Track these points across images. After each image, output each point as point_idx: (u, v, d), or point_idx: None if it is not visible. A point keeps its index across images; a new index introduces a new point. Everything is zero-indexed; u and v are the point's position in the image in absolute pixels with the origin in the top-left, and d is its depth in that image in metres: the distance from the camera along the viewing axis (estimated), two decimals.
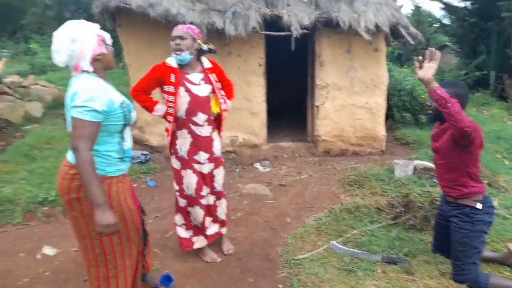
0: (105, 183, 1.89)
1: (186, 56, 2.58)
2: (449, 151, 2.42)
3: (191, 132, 2.70)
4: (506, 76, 10.61)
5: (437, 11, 14.75)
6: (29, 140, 5.14)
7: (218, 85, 2.79)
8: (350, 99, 5.31)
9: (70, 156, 1.89)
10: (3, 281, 2.70)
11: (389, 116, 6.44)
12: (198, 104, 2.65)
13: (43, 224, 3.64)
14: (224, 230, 3.08)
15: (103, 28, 1.98)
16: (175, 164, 2.78)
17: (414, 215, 3.27)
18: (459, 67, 11.55)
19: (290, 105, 7.16)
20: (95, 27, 1.90)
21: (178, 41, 2.55)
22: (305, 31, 4.61)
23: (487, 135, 5.46)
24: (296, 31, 4.43)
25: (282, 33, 4.60)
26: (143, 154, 5.05)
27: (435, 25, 14.74)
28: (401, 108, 6.51)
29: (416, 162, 4.39)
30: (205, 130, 2.73)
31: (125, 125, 1.97)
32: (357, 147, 5.48)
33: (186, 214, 2.87)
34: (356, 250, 2.94)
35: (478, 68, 10.38)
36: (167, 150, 2.91)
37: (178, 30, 2.60)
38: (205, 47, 2.67)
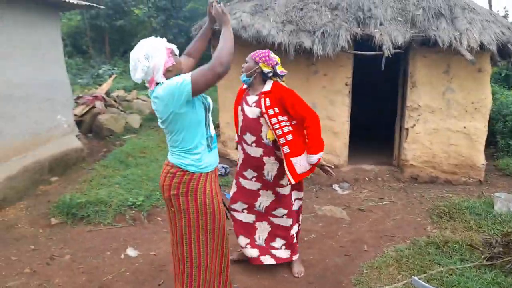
0: (201, 181, 2.07)
1: (243, 77, 2.72)
2: None
3: (243, 149, 2.82)
4: None
5: None
6: (127, 149, 5.70)
7: (271, 111, 2.62)
8: (445, 123, 4.88)
9: (170, 157, 2.09)
10: (90, 276, 2.99)
11: (491, 143, 5.76)
12: (247, 124, 2.72)
13: (129, 226, 3.92)
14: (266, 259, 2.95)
15: None
16: None
17: None
18: None
19: (376, 127, 6.85)
20: (163, 42, 2.03)
21: (243, 64, 2.71)
22: (398, 50, 4.39)
23: None
24: (387, 50, 4.24)
25: (372, 53, 4.45)
26: (224, 167, 5.21)
27: None
28: (506, 135, 5.78)
29: None
30: (253, 151, 2.75)
31: (206, 112, 2.10)
32: (450, 175, 4.98)
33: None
34: None
35: None
36: None
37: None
38: (266, 70, 2.68)
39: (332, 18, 4.62)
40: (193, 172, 2.05)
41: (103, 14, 12.04)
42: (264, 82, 2.72)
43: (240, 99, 2.81)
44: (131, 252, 3.40)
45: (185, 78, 1.89)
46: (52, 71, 5.18)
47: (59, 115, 5.29)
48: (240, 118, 2.78)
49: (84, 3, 5.38)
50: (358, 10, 4.68)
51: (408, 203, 4.42)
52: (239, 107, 2.79)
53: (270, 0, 5.01)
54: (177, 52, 2.10)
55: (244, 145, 2.79)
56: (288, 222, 2.92)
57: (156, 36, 2.09)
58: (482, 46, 4.32)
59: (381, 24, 4.53)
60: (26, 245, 3.47)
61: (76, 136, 5.57)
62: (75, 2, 5.15)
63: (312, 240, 3.59)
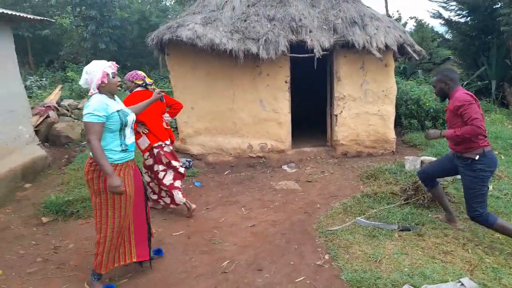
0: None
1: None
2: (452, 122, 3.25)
3: None
4: (506, 85, 11.37)
5: (440, 26, 15.57)
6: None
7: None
8: (364, 108, 6.15)
9: (90, 152, 2.76)
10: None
11: (397, 124, 7.24)
12: None
13: None
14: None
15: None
16: None
17: (423, 195, 4.04)
18: (462, 78, 12.33)
19: (311, 116, 8.04)
20: (104, 65, 2.74)
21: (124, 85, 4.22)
22: (325, 52, 5.50)
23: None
24: (318, 53, 5.32)
25: (306, 55, 5.50)
26: (187, 161, 5.91)
27: (437, 40, 15.58)
28: (408, 116, 7.31)
29: (423, 157, 5.17)
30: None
31: (122, 125, 2.76)
32: (371, 149, 6.28)
33: None
34: (377, 223, 3.71)
35: (480, 78, 11.14)
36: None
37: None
38: (139, 83, 4.01)
39: (271, 28, 5.58)
40: None
41: (25, 24, 11.60)
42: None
43: None
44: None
45: (87, 113, 2.61)
46: (11, 83, 5.37)
47: (21, 126, 5.48)
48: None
49: (36, 17, 5.63)
50: (291, 21, 5.70)
51: (343, 172, 5.56)
52: None
53: (217, 13, 5.81)
54: (111, 76, 2.75)
55: None
56: None
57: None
58: (386, 46, 5.62)
59: (310, 31, 5.60)
60: (27, 242, 3.81)
61: (38, 145, 5.78)
62: (28, 16, 5.42)
63: (276, 206, 4.49)
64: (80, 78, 2.89)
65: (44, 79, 12.08)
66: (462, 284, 2.60)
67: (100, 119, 2.62)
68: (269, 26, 5.61)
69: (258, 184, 5.29)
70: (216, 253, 3.46)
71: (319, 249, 3.41)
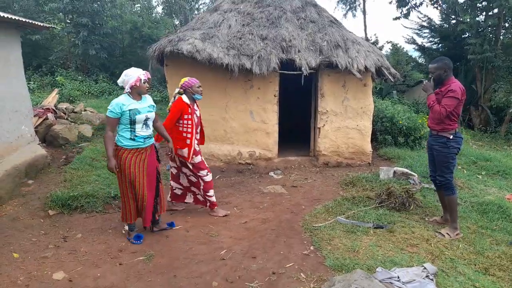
0: (121, 151, 3.58)
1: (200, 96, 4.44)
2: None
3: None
4: (472, 108, 12.41)
5: (413, 51, 16.69)
6: (88, 154, 6.37)
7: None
8: (344, 123, 6.77)
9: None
10: (107, 244, 3.83)
11: (373, 139, 7.90)
12: (198, 122, 4.59)
13: (117, 212, 4.79)
14: None
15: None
16: None
17: (395, 200, 4.62)
18: None
19: (296, 128, 8.64)
20: (140, 72, 3.53)
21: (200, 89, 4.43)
22: (312, 70, 6.10)
23: None
24: (305, 71, 5.91)
25: (295, 72, 6.09)
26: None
27: (411, 63, 16.69)
28: (383, 132, 8.00)
29: (396, 168, 5.79)
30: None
31: (131, 121, 3.51)
32: (350, 160, 6.89)
33: None
34: (355, 221, 4.24)
35: None
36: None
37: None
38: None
39: (264, 46, 6.15)
40: (119, 146, 3.60)
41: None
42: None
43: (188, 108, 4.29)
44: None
45: (108, 109, 3.50)
46: (17, 85, 5.68)
47: (23, 126, 5.77)
48: (195, 119, 4.36)
49: (46, 25, 5.99)
50: (282, 41, 6.30)
51: (324, 180, 6.12)
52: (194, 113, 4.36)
53: (214, 30, 6.34)
54: (143, 81, 3.54)
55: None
56: None
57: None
58: (366, 68, 6.29)
59: (299, 51, 6.21)
60: (37, 231, 4.10)
61: (38, 144, 6.06)
62: (36, 23, 5.78)
63: (265, 207, 4.96)
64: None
65: (32, 82, 12.20)
66: (425, 268, 3.14)
67: (114, 115, 3.50)
68: (262, 44, 6.18)
69: (247, 188, 5.76)
70: (213, 244, 3.89)
71: (305, 242, 3.89)
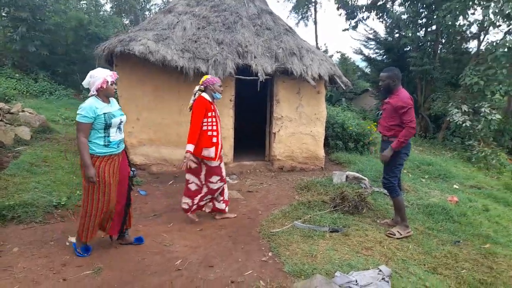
0: (94, 159, 3.27)
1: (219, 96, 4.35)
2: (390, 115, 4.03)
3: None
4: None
5: (360, 61, 17.51)
6: (26, 159, 5.83)
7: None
8: (298, 128, 6.86)
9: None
10: (49, 258, 3.46)
11: (324, 144, 8.10)
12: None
13: (59, 223, 4.43)
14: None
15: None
16: None
17: (348, 204, 4.73)
18: (378, 108, 13.97)
19: (252, 133, 8.61)
20: (107, 73, 3.28)
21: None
22: (268, 76, 6.12)
23: None
24: (262, 77, 5.91)
25: (251, 78, 6.06)
26: (132, 170, 6.00)
27: (358, 73, 17.48)
28: (334, 137, 8.23)
29: (348, 172, 5.96)
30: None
31: (106, 125, 3.26)
32: (304, 165, 6.99)
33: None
34: (311, 226, 4.28)
35: None
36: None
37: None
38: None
39: (220, 51, 6.07)
40: (91, 154, 3.30)
41: None
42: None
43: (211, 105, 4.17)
44: (73, 239, 3.97)
45: (78, 114, 3.18)
46: None
47: None
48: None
49: None
50: (238, 46, 6.26)
51: (280, 184, 6.14)
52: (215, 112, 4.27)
53: (168, 31, 6.14)
54: (110, 82, 3.29)
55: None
56: None
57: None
58: (320, 76, 6.43)
59: (255, 57, 6.20)
60: None
61: None
62: None
63: None
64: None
65: None
66: (380, 270, 3.23)
67: (88, 120, 3.20)
68: (217, 49, 6.09)
69: None
70: (168, 253, 3.71)
71: (263, 248, 3.84)
